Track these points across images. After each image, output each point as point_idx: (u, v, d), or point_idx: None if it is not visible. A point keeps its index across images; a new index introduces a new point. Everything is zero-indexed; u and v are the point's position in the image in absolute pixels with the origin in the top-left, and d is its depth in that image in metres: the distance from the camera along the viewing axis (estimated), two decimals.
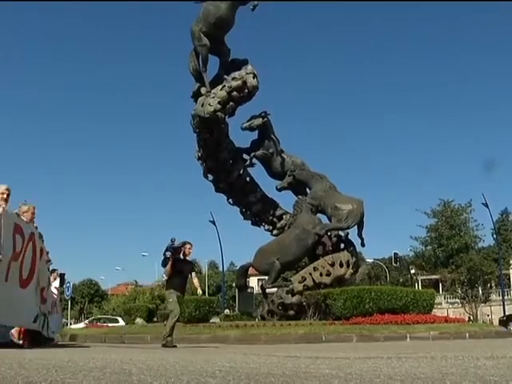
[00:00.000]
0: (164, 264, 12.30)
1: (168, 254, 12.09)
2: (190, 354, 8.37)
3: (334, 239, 21.39)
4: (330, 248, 21.14)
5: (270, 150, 21.11)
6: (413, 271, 60.42)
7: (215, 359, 6.84)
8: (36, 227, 10.25)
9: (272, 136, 21.27)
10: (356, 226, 20.84)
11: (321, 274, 20.12)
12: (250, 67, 19.65)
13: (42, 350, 9.22)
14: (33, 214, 9.96)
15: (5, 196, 8.99)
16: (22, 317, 9.68)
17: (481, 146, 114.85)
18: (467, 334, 16.95)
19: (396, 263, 56.44)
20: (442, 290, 63.34)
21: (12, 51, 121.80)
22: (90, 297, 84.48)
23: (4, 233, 8.66)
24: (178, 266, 12.13)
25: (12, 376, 3.96)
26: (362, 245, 21.42)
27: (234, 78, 19.47)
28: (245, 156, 21.81)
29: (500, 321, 38.02)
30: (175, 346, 11.76)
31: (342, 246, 21.39)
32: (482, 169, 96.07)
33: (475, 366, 5.42)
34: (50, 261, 12.14)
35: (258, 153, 21.21)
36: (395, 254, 54.82)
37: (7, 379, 3.70)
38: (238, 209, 22.42)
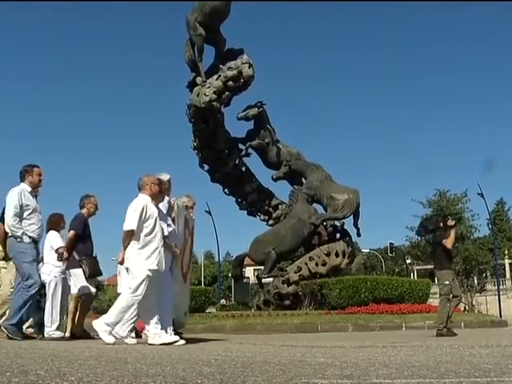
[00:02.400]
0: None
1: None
2: (185, 344, 8.38)
3: (330, 229, 21.40)
4: (326, 238, 21.15)
5: (266, 140, 21.08)
6: (408, 261, 60.52)
7: (211, 348, 6.86)
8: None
9: (268, 126, 21.23)
10: (352, 216, 20.85)
11: (316, 264, 20.13)
12: (245, 57, 19.59)
13: (40, 341, 9.22)
14: (192, 207, 9.62)
15: (166, 186, 8.65)
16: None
17: (477, 136, 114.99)
18: (462, 324, 17.02)
19: (392, 253, 56.58)
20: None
21: None
22: None
23: (180, 227, 8.56)
24: None
25: (8, 365, 3.97)
26: (358, 235, 21.43)
27: (229, 68, 19.41)
28: (240, 146, 21.77)
29: None
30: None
31: (338, 235, 21.39)
32: (481, 167, 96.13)
33: (470, 355, 5.45)
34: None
35: (254, 143, 21.17)
36: (391, 243, 54.95)
37: (3, 368, 3.71)
38: (234, 199, 22.40)
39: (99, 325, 7.48)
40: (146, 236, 7.49)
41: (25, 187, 8.53)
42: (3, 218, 8.72)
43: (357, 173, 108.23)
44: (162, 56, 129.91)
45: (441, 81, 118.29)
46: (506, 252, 66.49)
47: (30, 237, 8.34)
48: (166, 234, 7.92)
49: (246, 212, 22.50)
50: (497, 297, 42.96)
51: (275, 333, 14.42)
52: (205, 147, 20.92)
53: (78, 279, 9.37)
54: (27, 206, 8.39)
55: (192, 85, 20.27)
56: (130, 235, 7.47)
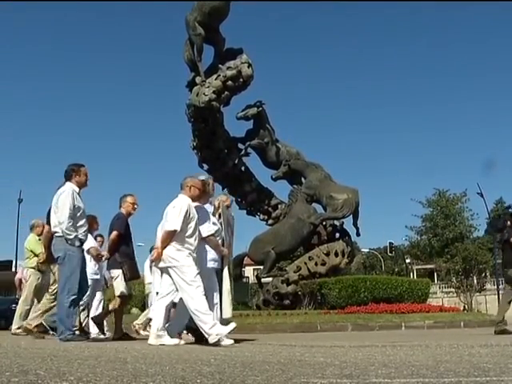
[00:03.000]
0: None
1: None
2: (185, 344, 8.37)
3: (329, 229, 21.42)
4: (325, 237, 21.16)
5: (265, 140, 21.09)
6: (408, 261, 60.60)
7: (210, 348, 6.86)
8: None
9: (267, 125, 21.25)
10: (351, 216, 20.87)
11: (316, 264, 20.15)
12: (244, 56, 19.59)
13: (38, 339, 9.22)
14: (230, 205, 9.58)
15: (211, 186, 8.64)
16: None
17: (477, 136, 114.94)
18: (462, 323, 17.01)
19: (391, 253, 56.64)
20: (437, 280, 63.54)
21: None
22: None
23: (224, 226, 8.54)
24: None
25: (7, 364, 3.97)
26: (358, 234, 21.45)
27: (228, 68, 19.42)
28: (240, 145, 21.78)
29: None
30: None
31: (337, 235, 21.40)
32: (481, 167, 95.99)
33: (469, 354, 5.45)
34: None
35: (253, 142, 21.18)
36: (390, 243, 54.99)
37: (2, 368, 3.71)
38: (233, 198, 22.40)
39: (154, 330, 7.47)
40: (186, 237, 7.48)
41: (74, 187, 8.36)
42: (49, 219, 8.64)
43: (356, 172, 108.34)
44: (162, 56, 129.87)
45: (440, 80, 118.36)
46: None
47: (79, 239, 8.21)
48: (212, 232, 7.95)
49: (245, 211, 22.50)
50: (496, 296, 42.98)
51: (275, 332, 14.41)
52: (204, 147, 20.92)
53: (116, 280, 9.37)
54: (78, 207, 8.25)
55: (191, 84, 20.28)
56: (172, 235, 7.43)
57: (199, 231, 7.71)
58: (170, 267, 7.48)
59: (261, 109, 20.95)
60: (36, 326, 9.16)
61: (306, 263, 20.20)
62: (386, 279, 20.95)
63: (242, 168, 22.03)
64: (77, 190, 8.36)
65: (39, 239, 11.86)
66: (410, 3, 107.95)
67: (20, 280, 15.50)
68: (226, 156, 21.37)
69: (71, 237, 8.07)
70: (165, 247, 7.47)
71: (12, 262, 47.06)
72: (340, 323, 15.95)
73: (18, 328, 11.37)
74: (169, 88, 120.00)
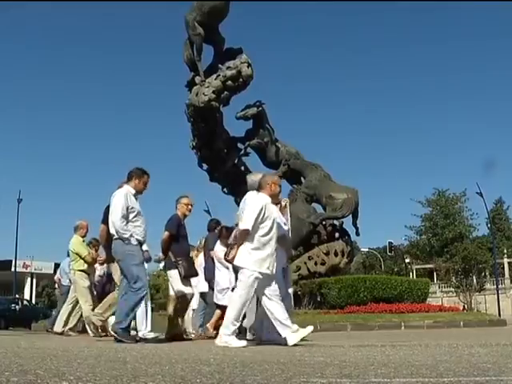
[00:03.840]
0: None
1: None
2: (184, 344, 8.38)
3: (329, 228, 21.42)
4: (325, 237, 21.17)
5: (265, 139, 21.10)
6: (407, 260, 60.60)
7: (210, 347, 6.86)
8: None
9: (267, 125, 21.26)
10: (351, 216, 20.88)
11: (316, 263, 20.16)
12: (244, 56, 19.60)
13: (36, 338, 9.23)
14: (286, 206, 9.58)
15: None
16: None
17: (476, 136, 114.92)
18: (461, 323, 17.01)
19: (391, 252, 56.61)
20: (437, 279, 63.62)
21: None
22: None
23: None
24: None
25: (7, 364, 3.97)
26: (357, 234, 21.48)
27: (228, 68, 19.43)
28: (239, 145, 21.79)
29: None
30: None
31: (337, 235, 21.41)
32: (481, 167, 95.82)
33: (469, 354, 5.45)
34: None
35: (253, 142, 21.19)
36: (390, 243, 54.96)
37: (2, 367, 3.70)
38: (233, 198, 22.41)
39: (223, 331, 7.34)
40: (261, 237, 7.34)
41: (130, 189, 8.37)
42: (106, 220, 8.67)
43: (355, 172, 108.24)
44: (161, 56, 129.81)
45: (440, 80, 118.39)
46: (505, 251, 66.61)
47: (136, 239, 8.15)
48: (285, 232, 7.96)
49: None
50: (496, 296, 43.00)
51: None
52: (204, 146, 20.93)
53: (173, 280, 9.35)
54: (132, 208, 8.20)
55: (191, 84, 20.29)
56: (246, 235, 7.32)
57: (275, 231, 7.55)
58: (238, 266, 7.44)
59: (260, 109, 20.96)
60: (103, 321, 9.14)
61: (305, 263, 20.21)
62: (386, 279, 20.95)
63: (242, 168, 22.03)
64: (132, 192, 8.37)
65: (83, 240, 12.03)
66: (410, 3, 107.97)
67: (59, 280, 15.62)
68: (225, 156, 21.38)
69: (126, 235, 8.03)
70: (239, 246, 7.40)
71: (11, 261, 47.09)
72: (340, 323, 15.96)
73: (70, 328, 11.58)
74: (168, 88, 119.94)
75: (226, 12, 19.74)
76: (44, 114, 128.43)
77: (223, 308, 10.48)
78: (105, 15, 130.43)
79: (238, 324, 7.40)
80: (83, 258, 11.63)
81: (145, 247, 8.55)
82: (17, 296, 40.89)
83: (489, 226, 58.70)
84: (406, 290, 19.68)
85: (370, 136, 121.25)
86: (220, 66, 19.75)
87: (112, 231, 8.14)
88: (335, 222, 21.55)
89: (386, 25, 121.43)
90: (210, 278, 10.91)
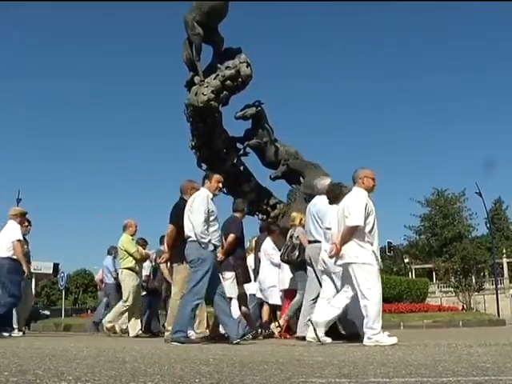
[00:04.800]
0: None
1: None
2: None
3: None
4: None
5: (264, 139, 21.07)
6: (406, 260, 60.63)
7: (209, 347, 6.86)
8: None
9: (266, 125, 21.21)
10: None
11: None
12: (243, 56, 19.57)
13: (35, 338, 9.22)
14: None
15: None
16: None
17: (475, 135, 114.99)
18: (460, 323, 17.06)
19: (390, 252, 56.58)
20: (436, 279, 63.66)
21: None
22: (84, 287, 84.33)
23: None
24: None
25: (6, 364, 3.97)
26: None
27: (227, 67, 19.40)
28: (238, 145, 21.75)
29: None
30: None
31: None
32: (481, 167, 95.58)
33: (468, 354, 5.45)
34: None
35: (252, 142, 21.16)
36: (389, 243, 54.92)
37: (1, 367, 3.70)
38: (232, 198, 22.39)
39: (370, 332, 7.43)
40: (368, 232, 7.38)
41: (208, 193, 8.38)
42: (174, 220, 8.77)
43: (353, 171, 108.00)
44: (160, 55, 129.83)
45: (439, 79, 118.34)
46: (504, 251, 66.65)
47: (213, 244, 8.14)
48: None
49: None
50: (495, 296, 43.02)
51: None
52: (203, 146, 20.89)
53: (227, 283, 9.35)
54: (212, 212, 8.21)
55: (190, 84, 20.25)
56: (354, 231, 7.31)
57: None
58: (350, 264, 7.40)
59: (259, 108, 20.92)
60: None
61: None
62: (385, 279, 20.90)
63: (241, 168, 22.01)
64: (210, 195, 8.37)
65: (132, 239, 12.14)
66: (409, 3, 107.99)
67: (101, 280, 15.72)
68: (224, 156, 21.34)
69: (205, 241, 7.99)
70: (344, 243, 7.36)
71: None
72: None
73: (111, 324, 11.75)
74: (167, 87, 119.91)
75: (225, 12, 19.71)
76: (43, 114, 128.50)
77: (271, 306, 10.61)
78: (105, 15, 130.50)
79: (381, 321, 7.53)
80: (131, 255, 11.75)
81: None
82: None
83: (488, 225, 58.71)
84: (405, 290, 19.70)
85: (369, 135, 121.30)
86: (219, 65, 19.72)
87: (189, 233, 8.11)
88: None
89: (385, 24, 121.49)
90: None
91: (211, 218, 8.16)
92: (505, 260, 66.59)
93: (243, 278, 9.48)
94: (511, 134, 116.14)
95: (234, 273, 9.29)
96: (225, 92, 19.52)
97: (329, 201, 8.44)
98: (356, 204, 7.37)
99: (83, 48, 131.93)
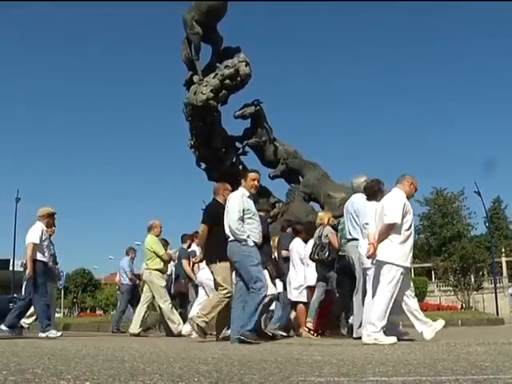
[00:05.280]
0: None
1: None
2: (183, 342, 8.39)
3: None
4: None
5: (263, 138, 21.07)
6: None
7: (208, 346, 6.86)
8: None
9: (265, 124, 21.22)
10: None
11: None
12: (242, 55, 19.58)
13: (35, 338, 9.21)
14: None
15: None
16: None
17: (474, 134, 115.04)
18: (459, 322, 17.05)
19: None
20: (435, 278, 63.59)
21: None
22: (83, 286, 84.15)
23: None
24: None
25: (4, 363, 3.97)
26: None
27: (226, 66, 19.40)
28: (238, 144, 21.76)
29: None
30: None
31: None
32: (480, 166, 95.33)
33: (467, 352, 5.46)
34: None
35: (251, 141, 21.16)
36: None
37: (0, 366, 3.70)
38: None
39: (370, 328, 7.33)
40: (405, 231, 7.52)
41: (244, 191, 8.50)
42: (206, 220, 8.81)
43: (354, 171, 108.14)
44: (159, 55, 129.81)
45: (438, 78, 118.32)
46: (503, 250, 66.68)
47: (253, 240, 8.14)
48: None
49: None
50: (494, 295, 43.03)
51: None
52: (202, 145, 20.89)
53: None
54: (248, 210, 8.25)
55: (189, 83, 20.26)
56: (391, 229, 7.46)
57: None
58: (381, 261, 7.50)
59: (258, 107, 20.92)
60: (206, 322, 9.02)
61: None
62: None
63: (240, 167, 22.00)
64: (246, 193, 8.47)
65: (158, 239, 12.11)
66: (409, 3, 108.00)
67: (120, 279, 15.70)
68: (223, 155, 21.34)
69: (243, 237, 8.03)
70: (381, 241, 7.49)
71: (9, 260, 47.06)
72: None
73: (147, 329, 11.59)
74: (166, 87, 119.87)
75: (224, 11, 19.72)
76: (43, 114, 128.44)
77: (297, 304, 10.69)
78: (104, 15, 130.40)
79: (385, 321, 7.38)
80: (160, 257, 11.73)
81: None
82: (15, 295, 40.83)
83: (487, 224, 58.81)
84: None
85: (368, 135, 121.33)
86: (218, 64, 19.73)
87: (228, 232, 8.14)
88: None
89: (385, 24, 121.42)
90: (283, 279, 10.93)
91: (247, 216, 8.21)
92: (504, 259, 66.60)
93: (276, 272, 9.54)
94: (510, 133, 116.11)
95: (266, 270, 9.33)
96: (224, 91, 19.52)
97: (367, 197, 8.61)
98: (394, 202, 7.58)
99: (83, 48, 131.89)
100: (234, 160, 21.63)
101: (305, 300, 10.69)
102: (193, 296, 12.28)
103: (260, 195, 21.98)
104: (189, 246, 12.77)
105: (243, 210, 8.15)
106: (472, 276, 53.88)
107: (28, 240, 10.14)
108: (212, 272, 8.75)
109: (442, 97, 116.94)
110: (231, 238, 8.08)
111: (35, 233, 10.21)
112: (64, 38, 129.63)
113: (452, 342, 7.22)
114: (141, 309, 12.07)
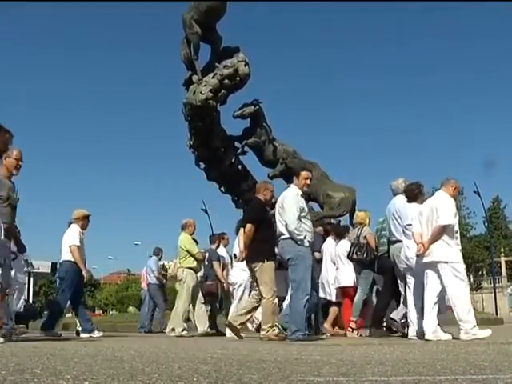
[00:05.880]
0: None
1: None
2: (181, 342, 8.39)
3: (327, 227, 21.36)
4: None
5: (262, 138, 21.05)
6: None
7: (207, 346, 6.86)
8: None
9: (264, 124, 21.19)
10: (348, 214, 20.85)
11: None
12: (241, 55, 19.57)
13: (33, 337, 9.21)
14: None
15: None
16: None
17: (473, 134, 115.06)
18: None
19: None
20: None
21: None
22: None
23: None
24: None
25: (3, 363, 3.96)
26: None
27: (225, 66, 19.39)
28: (237, 144, 21.74)
29: None
30: None
31: None
32: (480, 166, 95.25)
33: (466, 352, 5.46)
34: None
35: (250, 141, 21.14)
36: None
37: None
38: (230, 197, 22.39)
39: (466, 326, 7.73)
40: (455, 232, 7.94)
41: (297, 190, 8.53)
42: (250, 219, 8.85)
43: (353, 170, 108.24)
44: (159, 54, 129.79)
45: (437, 78, 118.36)
46: (502, 250, 66.72)
47: (308, 240, 8.24)
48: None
49: (242, 210, 22.47)
50: (493, 294, 43.05)
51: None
52: (201, 145, 20.87)
53: None
54: (303, 209, 8.35)
55: (188, 83, 20.24)
56: (444, 230, 7.81)
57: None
58: (438, 262, 7.79)
59: (258, 107, 20.91)
60: (241, 323, 8.94)
61: None
62: None
63: (239, 167, 21.98)
64: (300, 192, 8.53)
65: (192, 238, 12.18)
66: (408, 3, 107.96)
67: (147, 279, 15.78)
68: (222, 155, 21.32)
69: (300, 237, 8.11)
70: (434, 242, 7.78)
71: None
72: None
73: (183, 330, 11.60)
74: (165, 86, 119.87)
75: (223, 11, 19.71)
76: (42, 113, 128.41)
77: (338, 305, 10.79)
78: (103, 15, 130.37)
79: (473, 315, 7.89)
80: (194, 256, 11.80)
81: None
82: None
83: (486, 224, 58.78)
84: None
85: (367, 134, 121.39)
86: (217, 64, 19.71)
87: (283, 231, 8.23)
88: (332, 220, 21.51)
89: (385, 23, 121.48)
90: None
91: (303, 215, 8.30)
92: (503, 259, 66.66)
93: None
94: (509, 133, 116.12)
95: None
96: (223, 91, 19.51)
97: (408, 199, 8.85)
98: (446, 205, 7.95)
99: (82, 47, 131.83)
100: (233, 160, 21.60)
101: (336, 300, 10.87)
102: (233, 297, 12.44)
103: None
104: (217, 247, 12.83)
105: (300, 209, 8.25)
106: (471, 276, 53.97)
107: (68, 243, 10.15)
108: (255, 271, 8.71)
109: (441, 97, 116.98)
110: (285, 236, 8.18)
111: (74, 235, 10.24)
112: (64, 38, 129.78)
113: (451, 342, 7.23)
114: (199, 309, 12.25)
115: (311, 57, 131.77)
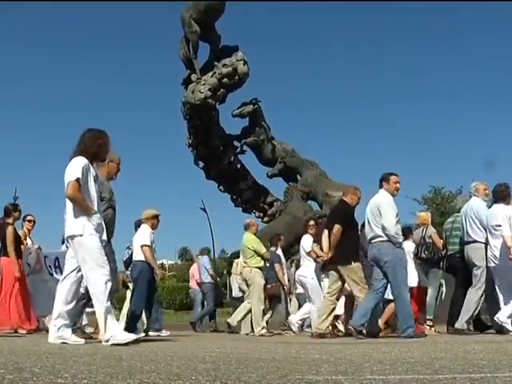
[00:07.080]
0: None
1: None
2: (180, 341, 8.39)
3: None
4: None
5: (261, 137, 21.09)
6: None
7: (206, 345, 6.86)
8: None
9: (263, 123, 21.24)
10: None
11: None
12: (240, 54, 19.61)
13: (32, 336, 9.19)
14: None
15: None
16: None
17: (473, 133, 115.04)
18: None
19: None
20: None
21: None
22: None
23: None
24: None
25: (2, 362, 3.96)
26: None
27: (224, 65, 19.43)
28: (236, 143, 21.79)
29: None
30: None
31: None
32: (478, 164, 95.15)
33: (464, 351, 5.46)
34: None
35: (249, 140, 21.19)
36: None
37: None
38: (229, 196, 22.41)
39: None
40: None
41: (390, 195, 8.74)
42: (338, 221, 9.03)
43: (352, 170, 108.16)
44: (157, 53, 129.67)
45: (436, 77, 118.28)
46: None
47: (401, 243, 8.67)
48: None
49: (241, 209, 22.51)
50: None
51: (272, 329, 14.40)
52: (200, 144, 20.91)
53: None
54: (397, 214, 8.62)
55: (187, 82, 20.28)
56: None
57: None
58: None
59: (256, 106, 20.95)
60: (327, 327, 9.13)
61: None
62: None
63: (238, 165, 22.02)
64: (389, 197, 8.77)
65: (256, 238, 12.21)
66: (408, 3, 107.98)
67: (199, 277, 15.85)
68: (221, 153, 21.37)
69: (400, 240, 8.51)
70: None
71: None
72: None
73: (262, 328, 11.64)
74: (164, 85, 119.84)
75: (221, 10, 19.75)
76: (41, 113, 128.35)
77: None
78: (103, 14, 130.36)
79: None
80: (262, 255, 11.81)
81: None
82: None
83: None
84: None
85: (366, 133, 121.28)
86: (216, 63, 19.75)
87: (378, 233, 8.45)
88: None
89: (385, 22, 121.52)
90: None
91: (397, 219, 8.56)
92: None
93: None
94: (508, 132, 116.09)
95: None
96: (222, 90, 19.55)
97: (495, 200, 9.25)
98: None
99: (82, 47, 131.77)
100: (231, 159, 21.65)
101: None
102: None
103: (257, 194, 22.06)
104: (276, 249, 12.92)
105: (396, 214, 8.53)
106: None
107: (140, 243, 10.13)
108: (342, 273, 8.94)
109: (440, 95, 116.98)
110: (382, 238, 8.40)
111: (145, 235, 10.22)
112: (63, 38, 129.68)
113: (450, 341, 7.23)
114: (245, 306, 12.44)
115: (310, 56, 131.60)
